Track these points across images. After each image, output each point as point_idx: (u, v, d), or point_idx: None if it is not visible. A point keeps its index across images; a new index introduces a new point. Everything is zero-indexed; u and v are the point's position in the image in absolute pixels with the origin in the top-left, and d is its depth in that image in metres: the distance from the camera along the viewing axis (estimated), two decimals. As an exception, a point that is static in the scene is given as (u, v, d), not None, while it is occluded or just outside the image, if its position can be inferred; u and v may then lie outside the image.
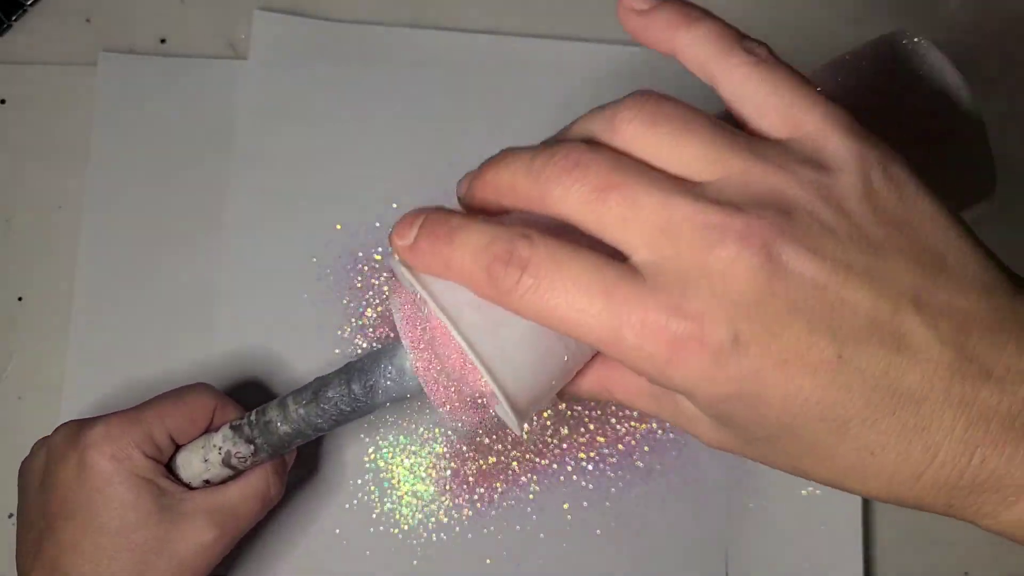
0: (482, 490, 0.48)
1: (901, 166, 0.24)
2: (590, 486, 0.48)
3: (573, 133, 0.26)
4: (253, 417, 0.39)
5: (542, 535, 0.48)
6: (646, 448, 0.48)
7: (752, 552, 0.48)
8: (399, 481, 0.48)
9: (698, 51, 0.26)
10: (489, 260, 0.24)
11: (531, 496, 0.48)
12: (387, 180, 0.50)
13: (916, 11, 0.51)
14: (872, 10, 0.51)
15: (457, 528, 0.48)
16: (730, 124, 0.25)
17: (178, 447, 0.40)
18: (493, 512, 0.48)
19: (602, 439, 0.48)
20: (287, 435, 0.38)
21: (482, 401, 0.30)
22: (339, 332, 0.49)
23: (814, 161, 0.24)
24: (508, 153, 0.26)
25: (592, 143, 0.25)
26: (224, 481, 0.40)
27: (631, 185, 0.24)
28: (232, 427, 0.39)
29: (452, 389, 0.30)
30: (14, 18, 0.51)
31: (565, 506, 0.48)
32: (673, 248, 0.23)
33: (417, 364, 0.30)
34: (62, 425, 0.40)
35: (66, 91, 0.51)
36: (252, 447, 0.39)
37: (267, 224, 0.49)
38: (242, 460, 0.39)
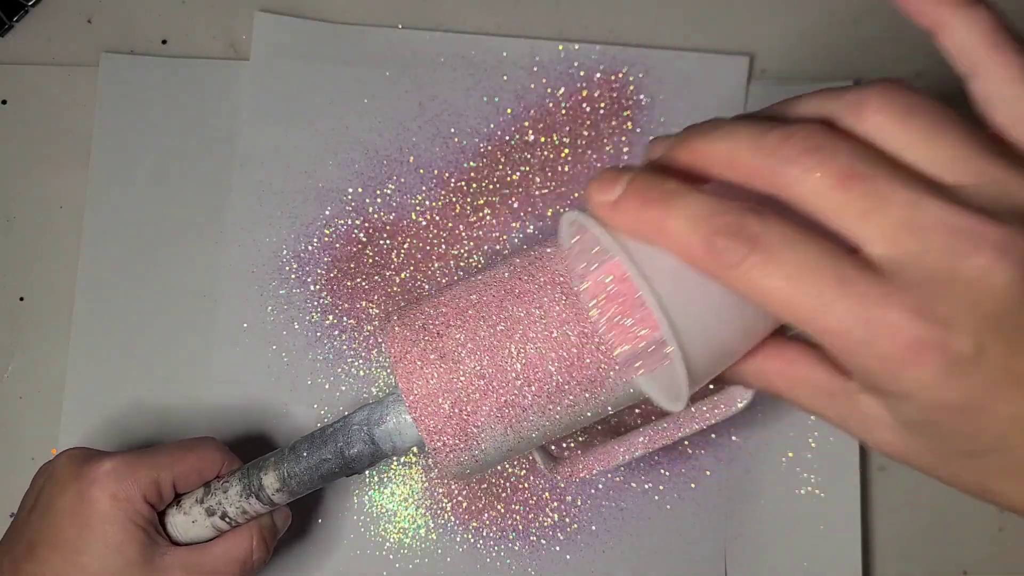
0: (480, 487, 0.48)
1: None
2: (588, 486, 0.49)
3: (804, 112, 0.25)
4: (245, 474, 0.39)
5: (539, 534, 0.48)
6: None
7: (752, 552, 0.48)
8: (398, 479, 0.48)
9: (967, 35, 0.24)
10: (712, 231, 0.23)
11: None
12: (388, 181, 0.50)
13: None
14: (871, 11, 0.51)
15: (456, 527, 0.48)
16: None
17: (177, 497, 0.40)
18: (492, 511, 0.48)
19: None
20: (277, 494, 0.39)
21: (641, 363, 0.29)
22: (339, 332, 0.49)
23: None
24: (723, 123, 0.25)
25: (832, 127, 0.23)
26: (211, 538, 0.40)
27: (878, 178, 0.22)
28: (223, 485, 0.39)
29: (605, 346, 0.29)
30: (16, 19, 0.51)
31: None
32: (920, 246, 0.22)
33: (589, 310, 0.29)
34: (69, 450, 0.40)
35: (67, 92, 0.51)
36: (240, 506, 0.39)
37: (268, 224, 0.49)
38: (230, 520, 0.39)
